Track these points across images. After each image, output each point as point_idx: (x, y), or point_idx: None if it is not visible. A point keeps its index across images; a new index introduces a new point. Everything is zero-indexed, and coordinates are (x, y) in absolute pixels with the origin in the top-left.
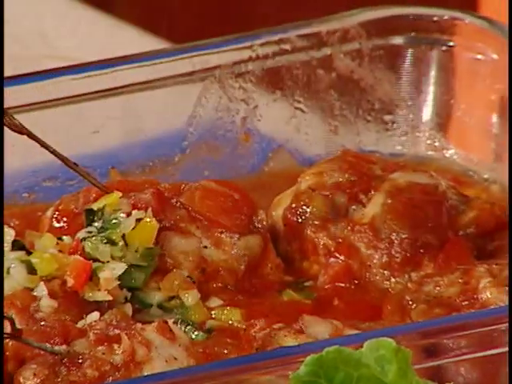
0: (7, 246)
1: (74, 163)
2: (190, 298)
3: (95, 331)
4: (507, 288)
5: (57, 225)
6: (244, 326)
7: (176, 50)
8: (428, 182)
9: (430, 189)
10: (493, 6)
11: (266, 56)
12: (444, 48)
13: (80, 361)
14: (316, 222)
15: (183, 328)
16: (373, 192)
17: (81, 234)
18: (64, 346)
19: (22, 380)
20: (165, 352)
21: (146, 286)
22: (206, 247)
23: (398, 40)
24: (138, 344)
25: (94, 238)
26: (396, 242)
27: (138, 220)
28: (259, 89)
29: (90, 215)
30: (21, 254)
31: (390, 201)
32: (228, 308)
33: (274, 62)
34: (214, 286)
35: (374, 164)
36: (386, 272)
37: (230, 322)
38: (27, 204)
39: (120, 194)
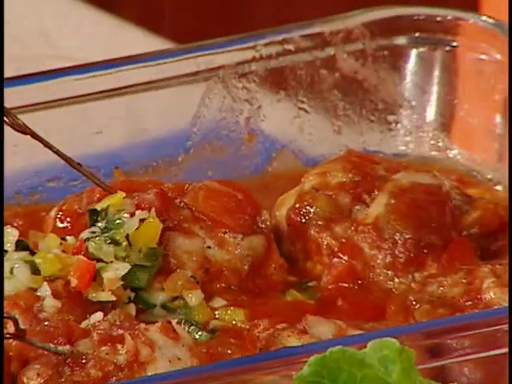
0: (11, 246)
1: (78, 163)
2: (194, 298)
3: (99, 331)
4: None
5: (60, 225)
6: (247, 326)
7: (179, 51)
8: (431, 183)
9: (434, 189)
10: (495, 6)
11: (269, 56)
12: (448, 48)
13: (83, 361)
14: (319, 222)
15: (187, 328)
16: (376, 192)
17: (84, 235)
18: (67, 346)
19: (25, 380)
20: (168, 352)
21: (149, 287)
22: (209, 247)
23: (401, 40)
24: (141, 344)
25: (97, 238)
26: (399, 242)
27: (142, 220)
28: (263, 89)
29: (94, 215)
30: (24, 254)
31: (393, 201)
32: (231, 308)
33: (278, 63)
34: (218, 286)
35: (378, 164)
36: (389, 272)
37: (234, 322)
38: (31, 204)
39: (124, 194)
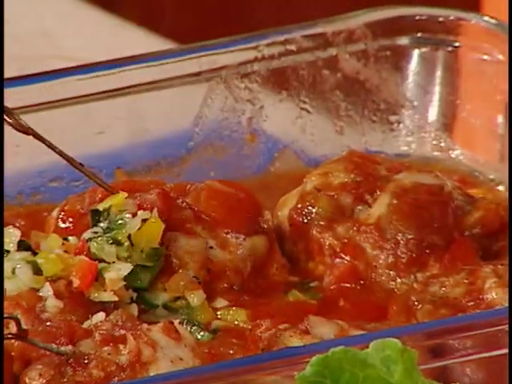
0: (13, 247)
1: (80, 163)
2: (196, 298)
3: (101, 332)
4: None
5: (62, 225)
6: (250, 327)
7: (181, 51)
8: (433, 183)
9: (436, 189)
10: (496, 7)
11: (271, 56)
12: (450, 48)
13: (86, 361)
14: (321, 223)
15: (189, 328)
16: (378, 192)
17: (86, 235)
18: (70, 347)
19: (27, 380)
20: (170, 352)
21: (151, 287)
22: (211, 248)
23: (403, 40)
24: (143, 344)
25: (99, 238)
26: (402, 242)
27: (144, 220)
28: (265, 89)
29: (96, 216)
30: (26, 254)
31: (395, 201)
32: (234, 308)
33: (280, 63)
34: (220, 286)
35: (380, 164)
36: (391, 272)
37: (236, 323)
38: (33, 204)
39: (126, 195)
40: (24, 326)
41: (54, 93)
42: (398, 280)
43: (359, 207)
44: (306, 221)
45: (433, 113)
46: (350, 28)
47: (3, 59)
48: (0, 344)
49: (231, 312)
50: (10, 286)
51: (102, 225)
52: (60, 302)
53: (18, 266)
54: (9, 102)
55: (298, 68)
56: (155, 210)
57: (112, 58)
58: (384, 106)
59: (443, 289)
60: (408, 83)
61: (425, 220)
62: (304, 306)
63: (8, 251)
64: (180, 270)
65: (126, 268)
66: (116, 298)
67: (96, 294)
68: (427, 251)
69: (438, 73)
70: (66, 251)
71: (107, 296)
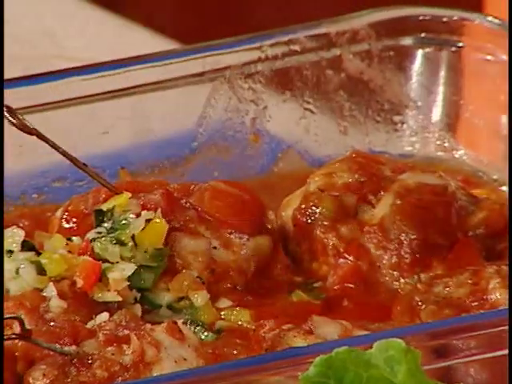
0: (17, 247)
1: (84, 164)
2: (200, 298)
3: (105, 332)
4: None
5: (66, 225)
6: (253, 327)
7: (185, 51)
8: (437, 183)
9: (440, 190)
10: (500, 7)
11: (275, 57)
12: (453, 49)
13: (89, 361)
14: (325, 223)
15: (193, 329)
16: (382, 193)
17: (90, 235)
18: (73, 347)
19: (31, 380)
20: (174, 353)
21: (155, 287)
22: (215, 248)
23: (407, 41)
24: (147, 345)
25: (103, 238)
26: (405, 242)
27: (148, 221)
28: (269, 89)
29: (100, 216)
30: (30, 254)
31: (399, 202)
32: (237, 309)
33: (284, 63)
34: (224, 286)
35: (384, 165)
36: (395, 273)
37: (240, 323)
38: (36, 205)
39: (129, 195)
40: (28, 326)
41: (59, 93)
42: (402, 280)
43: (363, 207)
44: (309, 221)
45: (436, 113)
46: (354, 28)
47: (3, 59)
48: (0, 344)
49: (235, 312)
50: (13, 286)
51: (105, 225)
52: (64, 302)
53: (22, 266)
54: (13, 102)
55: (301, 68)
56: (159, 210)
57: (116, 59)
58: (388, 106)
59: (447, 289)
60: (412, 83)
61: (428, 220)
62: (308, 306)
63: (12, 251)
64: (184, 271)
65: (129, 268)
66: (120, 298)
67: (100, 294)
68: (431, 251)
69: (442, 73)
70: (69, 251)
71: (111, 296)
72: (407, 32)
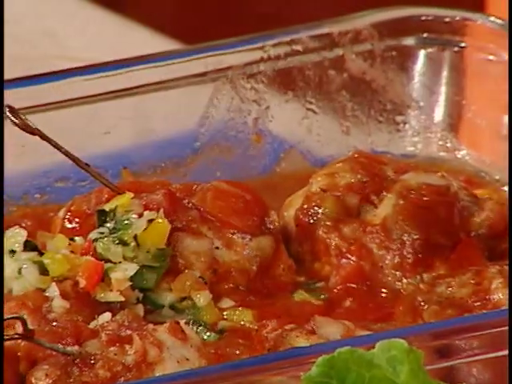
0: (19, 247)
1: (86, 164)
2: (202, 298)
3: (107, 332)
4: None
5: (69, 225)
6: (256, 327)
7: (187, 51)
8: (440, 183)
9: (442, 190)
10: (501, 7)
11: (277, 57)
12: (456, 49)
13: (92, 361)
14: (328, 223)
15: (195, 329)
16: (384, 193)
17: (93, 235)
18: (76, 347)
19: (33, 381)
20: (176, 353)
21: (157, 287)
22: (217, 248)
23: (409, 41)
24: (149, 345)
25: (105, 238)
26: (408, 242)
27: (150, 221)
28: (271, 90)
29: (102, 216)
30: (33, 254)
31: (401, 202)
32: (240, 309)
33: (286, 63)
34: (226, 286)
35: (386, 165)
36: (397, 273)
37: (242, 323)
38: (39, 205)
39: (132, 195)
40: (30, 326)
41: (61, 93)
42: (404, 280)
43: (365, 208)
44: (312, 221)
45: (439, 113)
46: (357, 28)
47: (3, 59)
48: (0, 344)
49: (237, 312)
50: (16, 286)
51: (108, 225)
52: (66, 303)
53: (25, 266)
54: (15, 102)
55: (304, 68)
56: (161, 210)
57: (118, 59)
58: (390, 107)
59: (449, 289)
60: (414, 83)
61: (431, 220)
62: (310, 306)
63: (14, 251)
64: (186, 271)
65: (132, 268)
66: (122, 299)
67: (102, 295)
68: (433, 252)
69: (444, 73)
70: (72, 251)
71: (113, 296)
72: (409, 32)
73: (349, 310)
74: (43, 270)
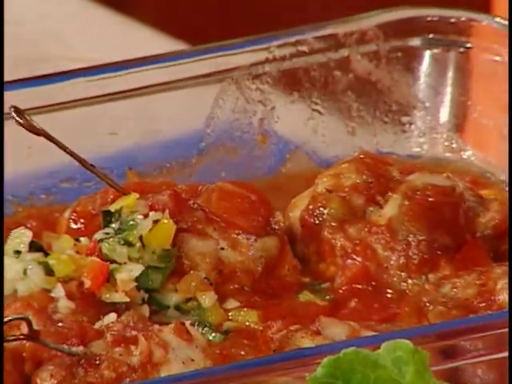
0: (24, 247)
1: (91, 164)
2: (207, 299)
3: (112, 332)
4: None
5: (74, 226)
6: (261, 328)
7: (193, 52)
8: (445, 184)
9: (448, 190)
10: (507, 8)
11: (283, 57)
12: (461, 50)
13: (97, 362)
14: (333, 224)
15: (200, 329)
16: (390, 194)
17: (98, 236)
18: (81, 347)
19: (39, 381)
20: (182, 353)
21: (163, 288)
22: (222, 249)
23: (415, 42)
24: (155, 345)
25: (111, 239)
26: (413, 243)
27: (155, 221)
28: (276, 90)
29: (108, 216)
30: (38, 255)
31: (407, 202)
32: (245, 309)
33: (292, 64)
34: (231, 287)
35: (391, 166)
36: (403, 273)
37: (247, 324)
38: (44, 205)
39: (137, 196)
40: (35, 327)
41: (66, 94)
42: (410, 281)
43: (371, 208)
44: (317, 222)
45: (444, 114)
46: (362, 29)
47: (3, 59)
48: (0, 344)
49: (242, 313)
50: (21, 287)
51: (113, 226)
52: (71, 303)
53: (30, 266)
54: (20, 103)
55: (309, 69)
56: (167, 211)
57: (123, 59)
58: (396, 107)
59: (455, 290)
60: (420, 84)
61: (436, 221)
62: (315, 306)
63: (20, 252)
64: (191, 271)
65: (137, 269)
66: (127, 299)
67: (107, 295)
68: (439, 252)
69: (450, 74)
70: (77, 252)
71: (119, 297)
72: (415, 33)
73: (354, 311)
74: (48, 271)
